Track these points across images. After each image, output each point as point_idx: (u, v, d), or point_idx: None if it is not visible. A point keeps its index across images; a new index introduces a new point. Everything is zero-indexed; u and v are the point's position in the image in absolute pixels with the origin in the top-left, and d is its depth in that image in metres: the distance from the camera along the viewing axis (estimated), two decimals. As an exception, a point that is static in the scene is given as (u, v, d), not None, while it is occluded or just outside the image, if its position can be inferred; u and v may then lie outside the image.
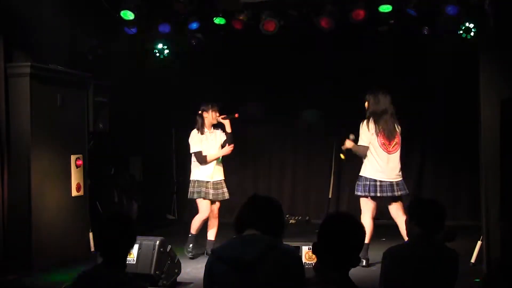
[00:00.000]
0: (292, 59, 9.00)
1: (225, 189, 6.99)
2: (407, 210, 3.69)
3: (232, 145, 6.89)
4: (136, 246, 5.60)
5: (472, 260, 6.27)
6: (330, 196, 9.31)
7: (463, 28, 7.15)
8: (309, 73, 9.03)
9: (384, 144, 6.25)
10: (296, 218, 9.33)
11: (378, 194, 6.25)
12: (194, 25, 7.66)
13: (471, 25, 7.08)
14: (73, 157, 7.11)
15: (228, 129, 6.93)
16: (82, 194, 7.27)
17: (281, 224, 2.89)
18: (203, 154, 6.83)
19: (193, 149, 6.90)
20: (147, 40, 8.22)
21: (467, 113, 7.94)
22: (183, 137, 9.77)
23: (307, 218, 9.37)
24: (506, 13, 5.93)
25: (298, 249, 5.36)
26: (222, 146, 6.96)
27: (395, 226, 6.31)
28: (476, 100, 6.42)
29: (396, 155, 6.30)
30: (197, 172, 6.89)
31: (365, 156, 6.32)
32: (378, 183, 6.24)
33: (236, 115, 6.96)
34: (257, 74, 9.20)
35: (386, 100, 6.32)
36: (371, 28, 7.53)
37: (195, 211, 7.10)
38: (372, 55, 8.67)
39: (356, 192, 6.43)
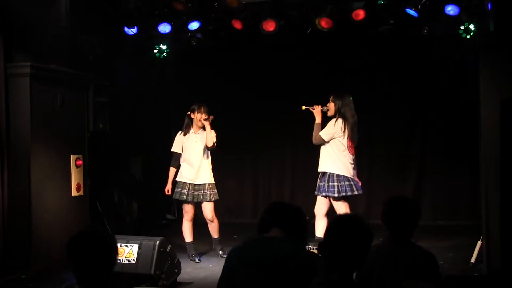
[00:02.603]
0: (292, 59, 8.99)
1: (209, 191, 6.82)
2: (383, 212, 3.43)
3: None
4: (136, 246, 5.60)
5: (472, 260, 6.27)
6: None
7: (463, 28, 7.14)
8: (308, 73, 9.02)
9: (351, 147, 6.41)
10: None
11: (356, 193, 6.37)
12: (194, 25, 7.67)
13: (471, 25, 7.07)
14: (73, 157, 7.10)
15: (208, 131, 6.74)
16: (82, 194, 7.26)
17: (303, 226, 2.90)
18: (184, 155, 6.88)
19: (172, 148, 7.03)
20: (147, 40, 8.22)
21: (467, 113, 7.94)
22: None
23: (307, 218, 9.34)
24: (506, 13, 5.93)
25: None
26: (206, 148, 6.83)
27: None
28: (476, 100, 6.42)
29: (354, 158, 6.47)
30: (178, 173, 6.99)
31: (318, 141, 6.39)
32: (351, 182, 6.33)
33: (211, 117, 6.77)
34: (257, 74, 9.19)
35: (352, 105, 6.45)
36: (371, 28, 7.53)
37: (195, 211, 7.08)
38: (372, 55, 8.67)
39: (327, 193, 6.33)
